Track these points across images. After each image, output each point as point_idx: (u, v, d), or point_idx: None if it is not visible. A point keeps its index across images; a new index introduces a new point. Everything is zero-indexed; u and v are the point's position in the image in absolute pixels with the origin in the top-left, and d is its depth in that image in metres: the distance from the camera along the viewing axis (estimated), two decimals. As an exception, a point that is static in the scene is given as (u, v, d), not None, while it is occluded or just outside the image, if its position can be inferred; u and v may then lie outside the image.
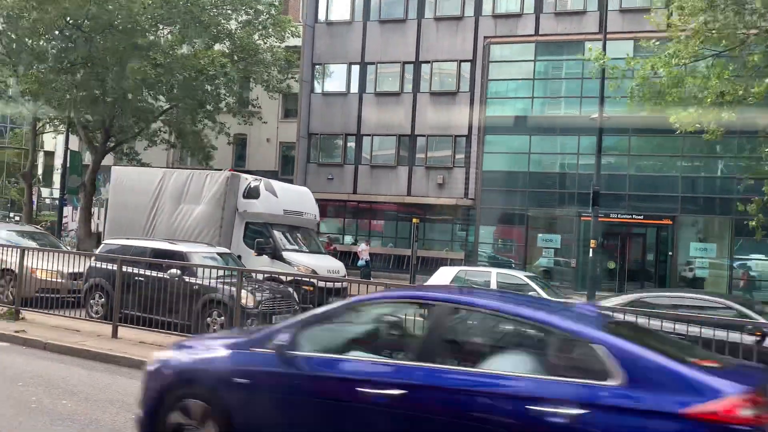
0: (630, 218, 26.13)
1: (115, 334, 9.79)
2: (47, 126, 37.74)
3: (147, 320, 10.28)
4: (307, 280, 12.68)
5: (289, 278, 12.73)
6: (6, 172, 79.16)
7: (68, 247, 21.76)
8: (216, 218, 15.53)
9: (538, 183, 27.58)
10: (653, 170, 26.62)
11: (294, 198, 17.41)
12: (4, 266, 13.46)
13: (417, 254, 26.57)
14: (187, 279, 10.83)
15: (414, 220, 26.25)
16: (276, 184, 17.09)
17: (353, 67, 30.95)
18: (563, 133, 27.04)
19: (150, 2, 25.60)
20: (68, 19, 25.94)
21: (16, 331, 9.65)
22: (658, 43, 16.71)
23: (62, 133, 41.63)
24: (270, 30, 29.78)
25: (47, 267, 13.25)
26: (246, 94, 32.54)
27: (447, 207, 29.02)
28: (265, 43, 30.80)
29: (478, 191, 28.31)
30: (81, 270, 13.80)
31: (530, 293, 13.06)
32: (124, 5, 25.06)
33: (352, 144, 30.98)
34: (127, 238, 13.26)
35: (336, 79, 31.39)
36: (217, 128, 30.72)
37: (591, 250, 20.72)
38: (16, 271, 13.19)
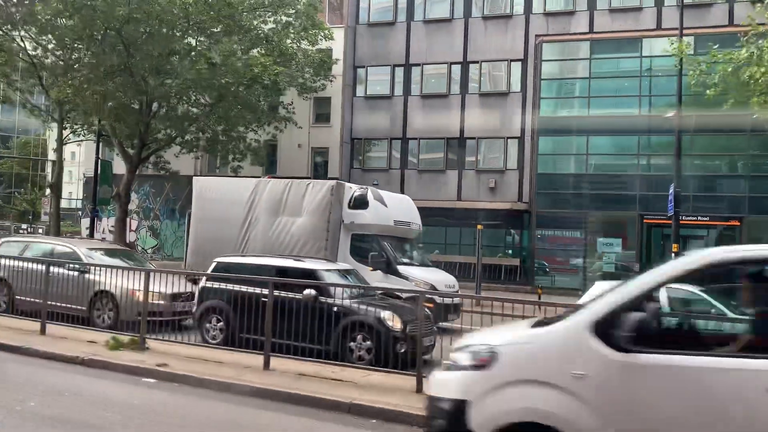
0: (695, 220, 25.29)
1: (267, 365, 8.79)
2: (72, 135, 36.60)
3: (280, 347, 9.34)
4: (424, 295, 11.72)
5: (407, 294, 11.80)
6: (13, 182, 77.90)
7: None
8: (320, 230, 14.51)
9: (596, 185, 26.71)
10: (719, 170, 25.83)
11: (400, 207, 16.42)
12: (100, 288, 12.46)
13: (472, 261, 25.65)
14: (323, 300, 9.86)
15: (478, 227, 25.33)
16: (382, 193, 16.05)
17: (397, 69, 30.04)
18: (622, 133, 26.22)
19: (192, 8, 24.59)
20: (107, 24, 24.91)
21: (158, 365, 8.65)
22: (751, 37, 15.84)
23: (84, 142, 40.67)
24: (308, 32, 28.94)
25: (150, 288, 12.32)
26: (281, 99, 31.60)
27: (499, 211, 28.11)
28: (299, 46, 29.94)
29: (532, 194, 27.42)
30: (182, 290, 12.85)
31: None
32: (166, 9, 24.06)
33: (397, 148, 30.05)
34: (242, 255, 12.25)
35: (379, 81, 30.45)
36: (259, 134, 29.87)
37: (673, 254, 19.86)
38: (114, 291, 12.26)
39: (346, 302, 10.01)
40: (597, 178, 26.80)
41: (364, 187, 15.71)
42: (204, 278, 11.41)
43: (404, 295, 11.88)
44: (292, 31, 28.39)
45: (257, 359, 8.99)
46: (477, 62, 28.73)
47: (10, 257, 13.48)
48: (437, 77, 29.49)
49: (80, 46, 26.80)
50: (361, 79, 30.71)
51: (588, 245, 26.80)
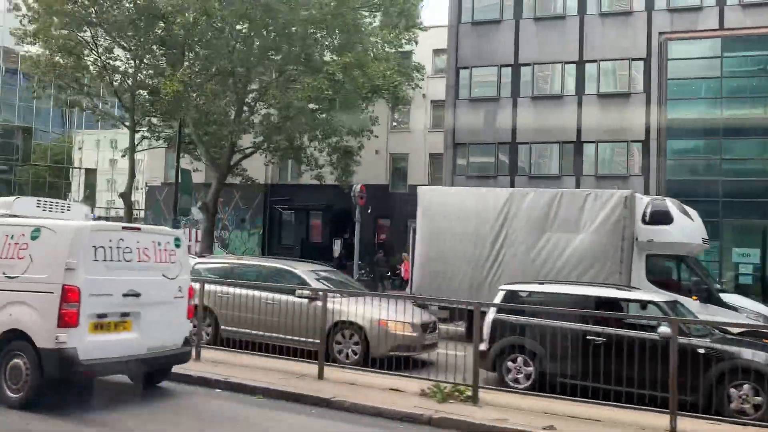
0: None
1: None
2: (144, 142, 34.92)
3: (616, 394, 7.68)
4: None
5: (739, 329, 10.07)
6: (31, 189, 75.94)
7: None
8: (611, 250, 12.48)
9: (731, 191, 24.98)
10: None
11: (699, 220, 14.39)
12: (341, 318, 10.76)
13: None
14: (680, 340, 8.13)
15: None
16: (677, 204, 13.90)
17: (504, 69, 28.37)
18: (759, 135, 24.56)
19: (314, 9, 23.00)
20: (224, 21, 23.28)
21: (544, 428, 6.92)
22: None
23: (148, 150, 38.97)
24: (408, 32, 27.45)
25: (399, 318, 10.65)
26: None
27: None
28: (393, 49, 28.40)
29: (659, 202, 25.70)
30: (426, 319, 11.16)
31: None
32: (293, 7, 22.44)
33: (505, 153, 28.36)
34: (540, 283, 10.44)
35: (485, 83, 28.80)
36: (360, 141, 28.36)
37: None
38: (360, 322, 10.56)
39: (715, 343, 8.30)
40: (731, 184, 25.09)
41: (662, 198, 13.67)
42: (491, 309, 9.61)
43: (735, 330, 10.14)
44: (397, 31, 26.83)
45: (642, 417, 7.24)
46: (594, 61, 27.06)
47: (217, 282, 11.79)
48: (549, 77, 27.85)
49: (195, 40, 24.88)
50: (465, 80, 28.99)
51: (723, 256, 25.09)
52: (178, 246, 8.63)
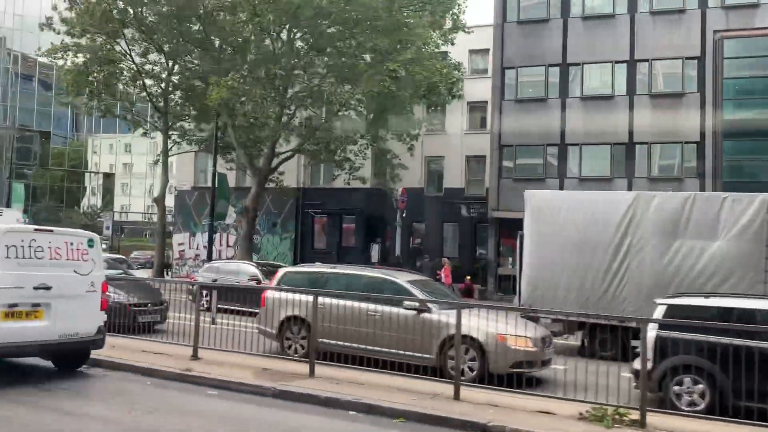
0: None
1: None
2: (174, 146, 34.34)
3: None
4: None
5: None
6: (64, 195, 75.44)
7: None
8: (754, 258, 11.69)
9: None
10: None
11: None
12: (451, 332, 10.10)
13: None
14: None
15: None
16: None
17: (552, 69, 27.74)
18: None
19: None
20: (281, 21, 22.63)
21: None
22: None
23: (177, 155, 38.38)
24: (450, 34, 26.88)
25: (519, 332, 10.02)
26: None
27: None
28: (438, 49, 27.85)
29: (715, 204, 25.00)
30: (540, 333, 10.50)
31: None
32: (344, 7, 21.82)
33: (553, 155, 27.71)
34: (705, 296, 9.39)
35: (532, 83, 28.17)
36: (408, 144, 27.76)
37: None
38: (477, 336, 9.90)
39: None
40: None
41: None
42: (654, 326, 8.80)
43: None
44: (436, 33, 26.24)
45: None
46: (646, 60, 26.43)
47: (316, 292, 11.13)
48: (599, 77, 27.21)
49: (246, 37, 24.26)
50: (511, 80, 28.34)
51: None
52: (91, 246, 9.70)
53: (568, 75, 27.49)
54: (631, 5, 26.73)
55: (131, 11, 28.39)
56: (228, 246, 39.61)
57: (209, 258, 31.35)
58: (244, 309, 17.35)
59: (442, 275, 27.75)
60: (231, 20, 23.30)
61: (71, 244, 9.36)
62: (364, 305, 10.74)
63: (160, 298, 14.83)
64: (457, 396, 8.45)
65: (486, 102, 32.33)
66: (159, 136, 39.51)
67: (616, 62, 26.79)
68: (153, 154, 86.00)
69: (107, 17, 28.12)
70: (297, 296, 11.07)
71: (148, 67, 31.51)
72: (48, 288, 8.85)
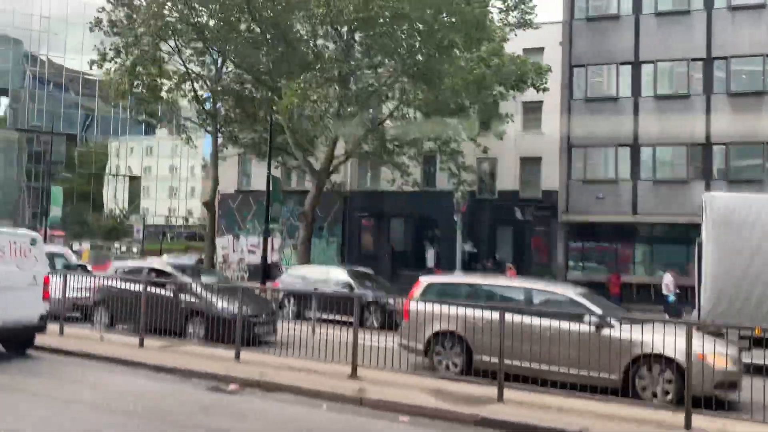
0: None
1: None
2: (227, 148, 33.56)
3: None
4: None
5: None
6: (91, 199, 74.87)
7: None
8: None
9: None
10: None
11: None
12: (643, 351, 9.22)
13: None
14: None
15: None
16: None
17: (622, 67, 26.84)
18: None
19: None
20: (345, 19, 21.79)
21: None
22: None
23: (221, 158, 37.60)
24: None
25: (719, 349, 9.13)
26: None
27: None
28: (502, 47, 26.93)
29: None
30: (735, 351, 9.61)
31: None
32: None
33: (625, 156, 26.78)
34: None
35: (602, 81, 27.27)
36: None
37: None
38: (674, 356, 9.00)
39: None
40: None
41: None
42: None
43: None
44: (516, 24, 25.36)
45: None
46: (724, 58, 25.50)
47: (471, 305, 10.28)
48: (674, 76, 26.28)
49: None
50: (580, 79, 27.44)
51: None
52: (33, 245, 11.08)
53: (640, 73, 26.56)
54: (708, 1, 25.81)
55: (182, 9, 27.62)
56: (273, 250, 38.84)
57: (264, 263, 30.55)
58: (343, 319, 16.62)
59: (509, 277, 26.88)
60: (301, 15, 22.47)
61: (15, 243, 10.77)
62: (534, 320, 9.86)
63: (271, 307, 14.00)
64: (688, 425, 7.57)
65: (540, 102, 31.43)
66: (200, 142, 39.03)
67: (692, 60, 25.87)
68: (176, 157, 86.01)
69: (156, 15, 27.46)
70: (448, 309, 10.21)
71: (197, 69, 30.84)
72: None
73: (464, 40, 22.33)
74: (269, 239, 38.61)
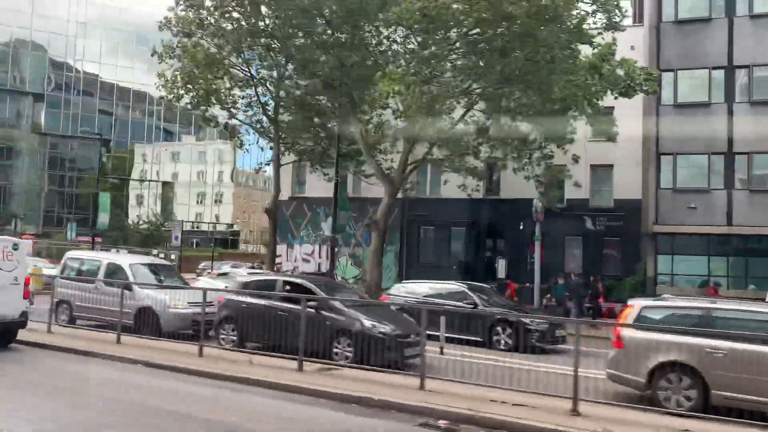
0: None
1: None
2: (287, 154, 32.58)
3: None
4: None
5: None
6: (124, 204, 74.04)
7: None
8: None
9: None
10: None
11: None
12: None
13: None
14: None
15: None
16: None
17: (715, 72, 25.70)
18: None
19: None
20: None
21: None
22: None
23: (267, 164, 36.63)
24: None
25: None
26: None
27: None
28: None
29: None
30: None
31: None
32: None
33: (719, 165, 25.60)
34: None
35: (693, 87, 26.12)
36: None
37: None
38: None
39: None
40: None
41: None
42: None
43: None
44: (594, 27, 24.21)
45: None
46: (826, 62, 24.34)
47: (708, 333, 9.09)
48: (770, 80, 25.15)
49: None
50: (669, 84, 26.29)
51: None
52: (15, 249, 12.33)
53: (734, 78, 25.42)
54: (808, 1, 24.71)
55: (252, 13, 26.76)
56: (328, 259, 37.76)
57: (331, 271, 29.47)
58: (470, 338, 15.50)
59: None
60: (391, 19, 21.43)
61: None
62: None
63: (417, 327, 12.89)
64: None
65: (612, 108, 30.32)
66: (249, 147, 38.03)
67: (791, 64, 24.71)
68: (203, 164, 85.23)
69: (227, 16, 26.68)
70: (677, 338, 9.08)
71: (262, 73, 30.10)
72: None
73: (564, 45, 21.31)
74: (324, 247, 37.85)
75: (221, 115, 32.68)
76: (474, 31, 21.22)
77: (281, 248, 37.85)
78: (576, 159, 25.04)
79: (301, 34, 26.42)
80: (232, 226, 75.86)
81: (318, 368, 11.06)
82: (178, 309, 13.81)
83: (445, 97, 21.50)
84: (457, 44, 21.74)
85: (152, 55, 28.77)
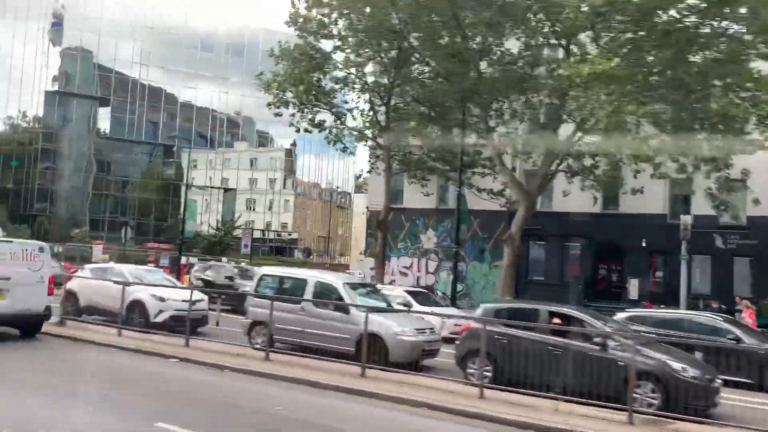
0: None
1: None
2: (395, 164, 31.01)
3: None
4: None
5: None
6: (170, 210, 73.11)
7: None
8: None
9: None
10: None
11: None
12: None
13: None
14: None
15: None
16: None
17: None
18: None
19: None
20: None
21: None
22: None
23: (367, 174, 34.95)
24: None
25: None
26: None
27: None
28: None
29: None
30: None
31: None
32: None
33: None
34: None
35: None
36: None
37: None
38: None
39: None
40: None
41: None
42: None
43: None
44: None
45: None
46: None
47: None
48: None
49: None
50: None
51: None
52: (41, 252, 13.81)
53: None
54: None
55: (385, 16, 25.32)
56: (428, 272, 36.00)
57: (453, 291, 27.56)
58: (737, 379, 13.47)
59: (747, 319, 23.51)
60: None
61: (26, 250, 13.54)
62: None
63: (714, 371, 10.84)
64: None
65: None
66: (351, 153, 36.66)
67: None
68: (258, 170, 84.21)
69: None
70: None
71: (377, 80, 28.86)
72: (8, 278, 12.88)
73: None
74: (424, 260, 36.05)
75: (328, 120, 31.19)
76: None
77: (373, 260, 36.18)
78: (746, 174, 22.96)
79: (442, 42, 24.96)
80: (294, 238, 74.51)
81: (646, 419, 9.15)
82: (408, 336, 12.02)
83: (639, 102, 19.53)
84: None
85: (269, 56, 27.73)
